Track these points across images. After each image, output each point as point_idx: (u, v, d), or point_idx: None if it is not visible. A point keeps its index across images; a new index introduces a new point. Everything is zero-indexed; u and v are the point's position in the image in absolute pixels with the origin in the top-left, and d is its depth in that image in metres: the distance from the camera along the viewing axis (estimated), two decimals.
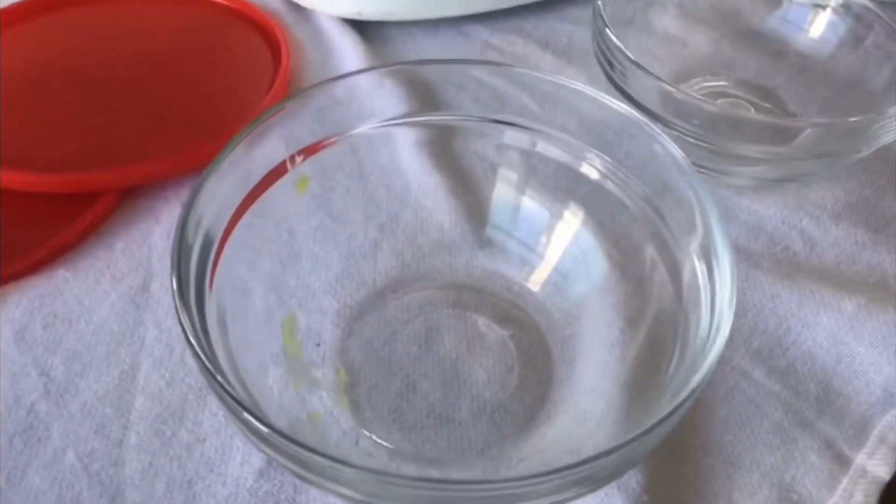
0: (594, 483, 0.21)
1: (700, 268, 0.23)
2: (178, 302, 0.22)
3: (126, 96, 0.37)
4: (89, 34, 0.40)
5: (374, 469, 0.23)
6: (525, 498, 0.20)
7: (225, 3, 0.42)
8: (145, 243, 0.32)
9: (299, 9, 0.43)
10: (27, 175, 0.32)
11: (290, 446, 0.19)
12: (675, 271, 0.25)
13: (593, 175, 0.27)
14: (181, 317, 0.22)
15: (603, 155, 0.27)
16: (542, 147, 0.28)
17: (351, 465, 0.19)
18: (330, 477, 0.20)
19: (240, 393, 0.21)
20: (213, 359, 0.21)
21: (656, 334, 0.25)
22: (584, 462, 0.19)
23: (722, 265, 0.22)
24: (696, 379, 0.20)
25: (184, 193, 0.34)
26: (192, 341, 0.21)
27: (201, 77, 0.39)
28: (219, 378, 0.20)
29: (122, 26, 0.41)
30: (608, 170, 0.27)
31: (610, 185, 0.27)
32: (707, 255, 0.23)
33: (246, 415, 0.20)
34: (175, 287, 0.22)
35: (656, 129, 0.25)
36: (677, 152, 0.25)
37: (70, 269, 0.31)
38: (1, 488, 0.25)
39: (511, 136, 0.29)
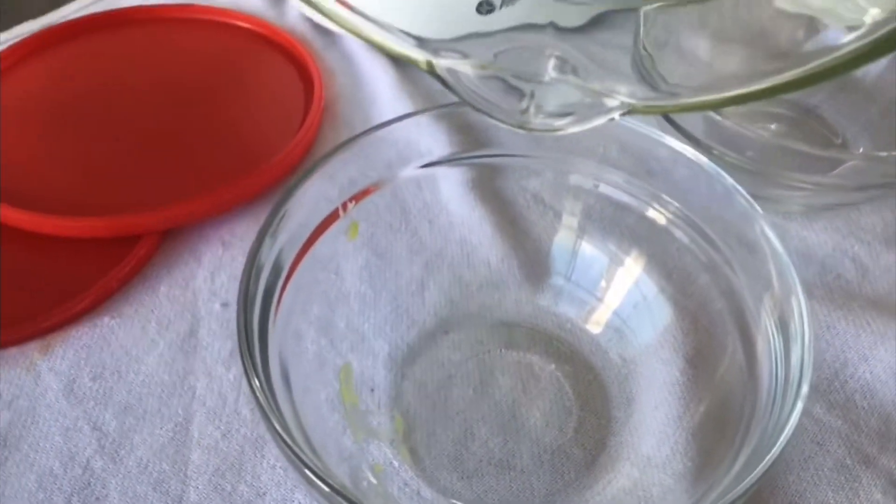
0: None
1: (774, 336, 0.23)
2: (246, 362, 0.22)
3: (159, 133, 0.37)
4: (120, 61, 0.40)
5: None
6: None
7: (252, 28, 0.41)
8: (189, 286, 0.32)
9: (328, 32, 0.42)
10: (66, 221, 0.32)
11: None
12: (743, 326, 0.24)
13: (659, 220, 0.27)
14: (250, 378, 0.21)
15: (668, 198, 0.27)
16: (603, 188, 0.28)
17: None
18: None
19: (302, 446, 0.21)
20: (279, 416, 0.21)
21: (724, 383, 0.25)
22: None
23: (797, 336, 0.22)
24: (778, 446, 0.20)
25: (226, 232, 0.34)
26: (263, 404, 0.21)
27: (233, 108, 0.38)
28: (285, 437, 0.20)
29: (151, 53, 0.41)
30: (674, 214, 0.27)
31: (677, 232, 0.26)
32: (784, 322, 0.23)
33: (312, 475, 0.20)
34: (243, 350, 0.22)
35: (723, 173, 0.25)
36: (749, 200, 0.24)
37: (115, 317, 0.31)
38: None
39: (565, 175, 0.29)
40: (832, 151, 0.34)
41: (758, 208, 0.24)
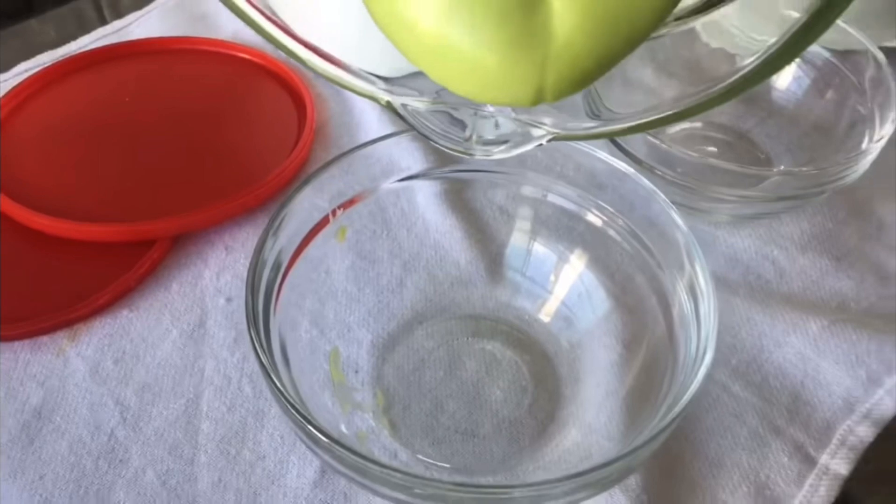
0: (602, 486, 0.25)
1: (688, 303, 0.28)
2: (254, 339, 0.26)
3: (170, 151, 0.41)
4: (135, 88, 0.44)
5: (418, 474, 0.27)
6: (544, 500, 0.24)
7: (252, 59, 0.46)
8: (197, 284, 0.37)
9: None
10: (91, 227, 0.37)
11: (350, 456, 0.24)
12: (666, 306, 0.29)
13: (597, 223, 0.32)
14: (259, 352, 0.26)
15: (605, 204, 0.32)
16: (552, 197, 0.33)
17: (402, 472, 0.24)
18: (381, 481, 0.24)
19: (299, 409, 0.25)
20: (283, 384, 0.26)
21: (651, 359, 0.30)
22: (594, 469, 0.24)
23: (706, 300, 0.27)
24: (686, 398, 0.25)
25: (228, 237, 0.38)
26: (272, 375, 0.25)
27: (235, 129, 0.43)
28: (290, 398, 0.25)
29: (162, 80, 0.45)
30: (609, 217, 0.32)
31: (611, 232, 0.32)
32: (693, 292, 0.28)
33: (313, 430, 0.24)
34: (251, 330, 0.27)
35: (649, 183, 0.30)
36: (668, 204, 0.29)
37: (133, 310, 0.35)
38: None
39: (522, 187, 0.34)
40: (757, 169, 0.39)
41: (672, 207, 0.29)
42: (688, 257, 0.28)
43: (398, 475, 0.24)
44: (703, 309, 0.28)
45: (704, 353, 0.26)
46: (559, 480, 0.24)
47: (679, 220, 0.29)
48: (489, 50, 0.19)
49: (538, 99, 0.21)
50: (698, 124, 0.43)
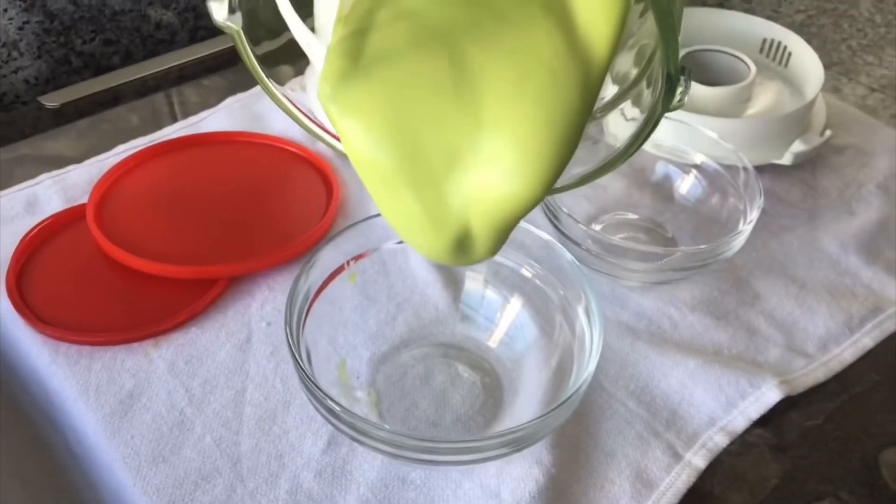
0: (521, 444, 0.38)
1: (586, 328, 0.41)
2: (291, 347, 0.39)
3: (230, 213, 0.55)
4: (205, 168, 0.59)
5: (394, 429, 0.39)
6: (479, 451, 0.37)
7: (293, 150, 0.61)
8: (246, 312, 0.50)
9: (344, 157, 0.61)
10: (171, 267, 0.50)
11: (357, 419, 0.37)
12: (572, 330, 0.43)
13: (528, 275, 0.46)
14: (295, 356, 0.39)
15: (533, 262, 0.46)
16: (500, 258, 0.46)
17: (388, 430, 0.36)
18: (376, 438, 0.37)
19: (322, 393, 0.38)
20: (312, 376, 0.39)
21: (562, 367, 0.43)
22: (515, 429, 0.36)
23: (596, 325, 0.40)
24: (580, 381, 0.38)
25: (271, 280, 0.52)
26: (303, 369, 0.38)
27: (277, 201, 0.57)
28: (313, 382, 0.38)
29: (224, 163, 0.60)
30: (537, 272, 0.45)
31: (537, 281, 0.45)
32: (590, 320, 0.41)
33: (330, 402, 0.37)
34: (290, 341, 0.40)
35: (565, 249, 0.44)
36: (576, 263, 0.43)
37: (199, 328, 0.49)
38: (167, 457, 0.42)
39: None
40: (663, 249, 0.52)
41: (574, 261, 0.43)
42: (583, 293, 0.42)
43: (383, 432, 0.37)
44: (595, 332, 0.41)
45: (591, 358, 0.39)
46: (492, 437, 0.37)
47: (579, 269, 0.42)
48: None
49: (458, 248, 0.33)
50: (630, 214, 0.57)
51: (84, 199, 0.55)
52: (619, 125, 0.37)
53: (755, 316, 0.51)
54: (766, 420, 0.46)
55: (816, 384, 0.48)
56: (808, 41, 0.64)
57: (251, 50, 0.35)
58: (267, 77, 0.37)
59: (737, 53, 0.63)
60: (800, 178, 0.61)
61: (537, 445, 0.42)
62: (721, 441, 0.44)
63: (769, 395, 0.46)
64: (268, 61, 0.36)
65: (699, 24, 0.66)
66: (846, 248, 0.55)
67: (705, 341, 0.49)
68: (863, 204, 0.59)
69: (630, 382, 0.47)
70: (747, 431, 0.45)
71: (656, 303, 0.51)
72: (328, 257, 0.45)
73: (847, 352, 0.49)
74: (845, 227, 0.57)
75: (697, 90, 0.59)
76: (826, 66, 0.62)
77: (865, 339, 0.50)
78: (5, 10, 0.66)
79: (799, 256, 0.55)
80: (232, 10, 0.33)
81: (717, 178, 0.54)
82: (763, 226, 0.56)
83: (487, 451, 0.37)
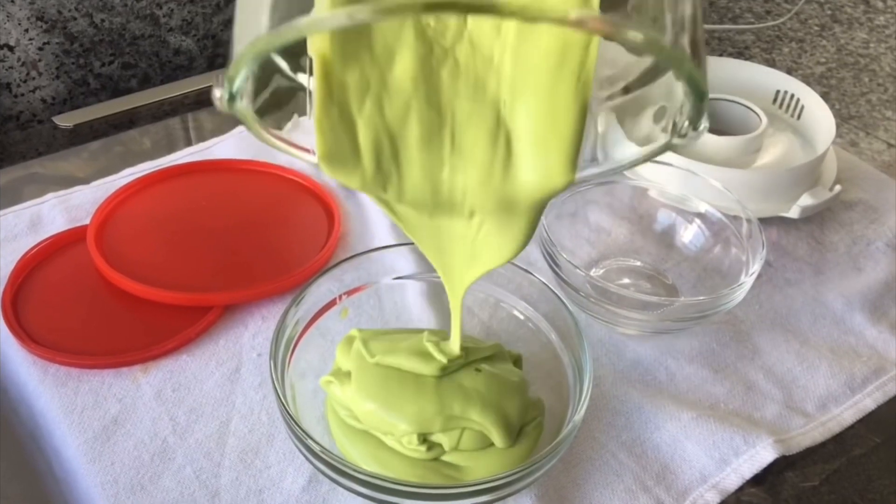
0: (504, 492, 0.37)
1: (576, 377, 0.41)
2: (275, 381, 0.39)
3: (228, 242, 0.55)
4: (210, 194, 0.59)
5: (377, 473, 0.39)
6: (460, 497, 0.36)
7: (297, 179, 0.61)
8: (238, 341, 0.50)
9: (348, 189, 0.62)
10: (165, 292, 0.50)
11: (336, 459, 0.36)
12: (563, 378, 0.42)
13: (522, 318, 0.45)
14: (277, 391, 0.39)
15: (528, 307, 0.45)
16: (493, 301, 0.46)
17: (366, 472, 0.36)
18: (355, 479, 0.36)
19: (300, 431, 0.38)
20: (294, 414, 0.38)
21: (552, 414, 0.42)
22: (497, 477, 0.36)
23: (587, 374, 0.40)
24: (566, 431, 0.37)
25: (265, 310, 0.51)
26: (288, 411, 0.38)
27: (279, 230, 0.57)
28: (296, 424, 0.37)
29: (228, 190, 0.60)
30: (530, 315, 0.45)
31: (530, 325, 0.45)
32: (580, 369, 0.40)
33: (311, 442, 0.37)
34: (273, 374, 0.39)
35: (561, 294, 0.43)
36: (569, 309, 0.42)
37: (190, 355, 0.48)
38: (145, 486, 0.42)
39: (478, 292, 0.47)
40: (661, 298, 0.52)
41: (571, 311, 0.42)
42: (576, 341, 0.41)
43: (361, 474, 0.36)
44: (586, 379, 0.40)
45: (581, 407, 0.38)
46: (460, 486, 0.36)
47: (572, 315, 0.42)
48: None
49: None
50: (631, 261, 0.56)
51: (87, 221, 0.55)
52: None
53: (754, 371, 0.50)
54: (761, 479, 0.44)
55: (814, 444, 0.46)
56: (828, 93, 0.63)
57: (258, 122, 0.32)
58: (269, 134, 0.34)
59: (749, 104, 0.62)
60: (807, 232, 0.60)
61: (523, 495, 0.41)
62: (712, 499, 0.43)
63: (764, 454, 0.45)
64: (260, 111, 0.33)
65: (713, 74, 0.65)
66: (851, 306, 0.54)
67: (701, 394, 0.48)
68: (871, 261, 0.58)
69: (622, 433, 0.46)
70: (740, 490, 0.44)
71: (654, 352, 0.50)
72: (319, 291, 0.45)
73: (847, 412, 0.48)
74: (852, 284, 0.56)
75: (707, 139, 0.59)
76: (844, 120, 0.62)
77: (867, 401, 0.49)
78: (26, 31, 0.68)
79: (802, 312, 0.54)
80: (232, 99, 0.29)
81: (720, 229, 0.54)
82: (767, 279, 0.56)
83: (469, 499, 0.36)
